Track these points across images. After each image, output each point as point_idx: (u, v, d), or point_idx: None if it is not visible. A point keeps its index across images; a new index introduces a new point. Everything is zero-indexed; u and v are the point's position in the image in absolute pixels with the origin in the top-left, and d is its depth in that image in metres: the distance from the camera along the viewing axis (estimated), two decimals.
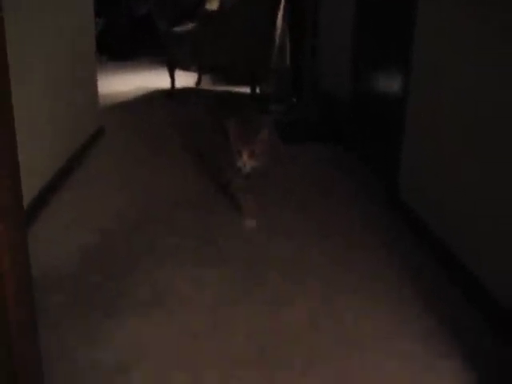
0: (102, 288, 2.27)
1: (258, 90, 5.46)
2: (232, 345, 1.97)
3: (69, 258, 2.46)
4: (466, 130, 2.35)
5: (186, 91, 5.81)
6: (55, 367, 1.44)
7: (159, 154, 3.92)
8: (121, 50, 7.06)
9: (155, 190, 3.30)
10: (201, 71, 6.20)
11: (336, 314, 2.16)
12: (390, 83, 3.46)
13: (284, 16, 5.19)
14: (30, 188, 2.66)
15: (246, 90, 5.60)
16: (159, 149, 4.03)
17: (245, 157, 2.68)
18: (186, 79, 6.14)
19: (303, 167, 3.73)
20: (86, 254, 2.53)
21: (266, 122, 3.49)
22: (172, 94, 5.51)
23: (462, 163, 2.38)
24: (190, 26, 5.44)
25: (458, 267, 2.34)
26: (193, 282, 2.36)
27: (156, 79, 6.11)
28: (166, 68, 5.55)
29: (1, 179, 1.07)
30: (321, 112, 4.52)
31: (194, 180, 3.46)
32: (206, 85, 6.18)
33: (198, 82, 6.18)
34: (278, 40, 5.27)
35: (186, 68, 6.40)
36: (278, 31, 5.24)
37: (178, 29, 5.42)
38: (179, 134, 4.37)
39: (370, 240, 2.74)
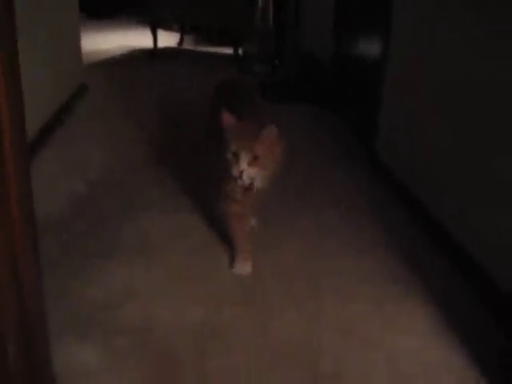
0: (91, 234, 2.36)
1: (240, 52, 5.49)
2: (217, 286, 2.09)
3: (58, 206, 2.53)
4: (439, 93, 2.46)
5: (168, 51, 5.83)
6: (52, 305, 1.54)
7: (142, 110, 3.98)
8: (101, 7, 6.99)
9: (139, 144, 3.37)
10: (183, 31, 6.21)
11: (320, 257, 2.28)
12: (369, 46, 3.55)
13: None
14: None
15: (229, 51, 5.63)
16: (142, 105, 4.08)
17: (243, 162, 1.89)
18: (168, 39, 6.15)
19: (287, 127, 3.81)
20: (74, 203, 2.61)
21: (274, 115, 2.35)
22: (154, 53, 5.52)
23: (435, 126, 2.49)
24: None
25: (429, 219, 2.48)
26: (177, 228, 2.46)
27: (137, 38, 6.10)
28: (147, 27, 5.55)
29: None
30: (303, 73, 4.59)
31: (177, 133, 3.54)
32: (188, 45, 6.20)
33: (180, 43, 6.20)
34: (260, 1, 5.30)
35: (168, 28, 6.42)
36: None
37: None
38: (162, 92, 4.43)
39: (350, 196, 2.86)
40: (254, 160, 1.89)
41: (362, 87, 3.65)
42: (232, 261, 2.21)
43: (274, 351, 1.78)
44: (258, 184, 1.99)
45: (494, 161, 2.04)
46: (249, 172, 1.90)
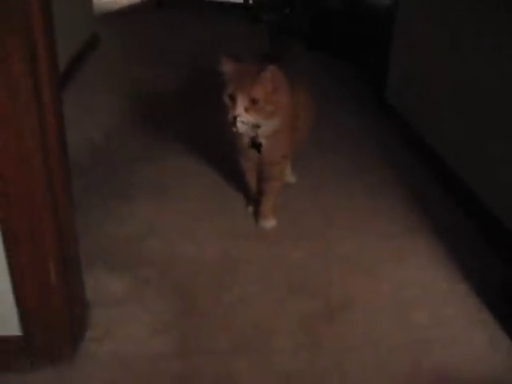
0: (112, 177, 2.47)
1: (250, 1, 5.47)
2: (234, 222, 2.21)
3: (75, 151, 2.61)
4: (451, 38, 2.50)
5: (176, 1, 5.80)
6: (82, 239, 1.65)
7: (153, 61, 4.03)
8: None
9: (152, 91, 3.45)
10: None
11: (332, 195, 2.39)
12: None
13: None
14: None
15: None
16: (153, 56, 4.13)
17: (239, 106, 1.75)
18: None
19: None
20: (90, 147, 2.71)
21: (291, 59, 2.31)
22: (163, 2, 5.50)
23: (444, 70, 2.54)
24: None
25: (438, 162, 2.57)
26: (193, 167, 2.58)
27: None
28: None
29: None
30: (314, 21, 4.60)
31: (191, 82, 3.61)
32: None
33: None
34: None
35: None
36: None
37: None
38: (173, 43, 4.46)
39: (360, 135, 2.96)
40: (252, 104, 1.76)
41: (373, 33, 3.68)
42: (247, 202, 2.30)
43: (288, 283, 1.90)
44: (263, 135, 1.87)
45: (494, 99, 2.11)
46: (245, 118, 1.76)
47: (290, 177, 2.44)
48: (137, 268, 1.93)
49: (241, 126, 1.78)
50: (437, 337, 1.71)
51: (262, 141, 1.90)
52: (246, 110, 1.76)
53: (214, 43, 4.39)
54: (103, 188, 2.39)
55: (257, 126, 1.83)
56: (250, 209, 2.27)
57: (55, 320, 1.48)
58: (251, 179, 2.21)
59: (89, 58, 3.96)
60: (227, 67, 1.82)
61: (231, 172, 2.43)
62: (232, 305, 1.80)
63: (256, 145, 1.92)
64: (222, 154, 2.58)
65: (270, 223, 2.18)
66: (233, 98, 1.76)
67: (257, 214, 2.22)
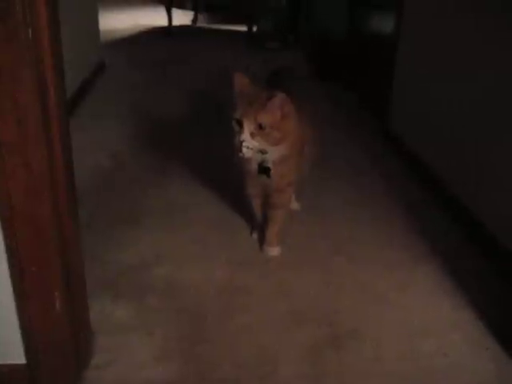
0: (120, 204, 2.49)
1: (254, 29, 5.55)
2: (241, 250, 2.21)
3: (83, 177, 2.63)
4: (450, 68, 2.53)
5: (182, 29, 5.90)
6: (89, 266, 1.66)
7: (160, 88, 4.07)
8: None
9: (158, 118, 3.49)
10: (197, 9, 6.27)
11: (333, 220, 2.39)
12: (383, 22, 3.60)
13: None
14: None
15: (242, 28, 5.69)
16: (160, 83, 4.18)
17: (245, 131, 1.76)
18: (182, 17, 6.21)
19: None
20: (98, 174, 2.74)
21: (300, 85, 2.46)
22: (169, 31, 5.59)
23: (446, 98, 2.57)
24: None
25: (444, 191, 2.57)
26: (201, 196, 2.59)
27: (152, 17, 6.17)
28: (162, 6, 5.62)
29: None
30: (316, 50, 4.66)
31: (194, 110, 3.64)
32: (202, 23, 6.26)
33: (195, 20, 6.25)
34: None
35: (182, 6, 6.47)
36: None
37: None
38: (179, 70, 4.52)
39: (365, 164, 2.97)
40: (259, 130, 1.76)
41: (376, 63, 3.72)
42: (252, 230, 2.31)
43: (293, 310, 1.89)
44: (270, 161, 1.88)
45: (505, 136, 2.12)
46: (251, 144, 1.77)
47: (295, 204, 2.44)
48: (142, 295, 1.92)
49: (246, 151, 1.79)
50: (443, 365, 1.69)
51: (270, 166, 1.91)
52: (252, 135, 1.77)
53: (218, 71, 4.45)
54: (110, 214, 2.40)
55: (264, 152, 1.85)
56: (255, 236, 2.27)
57: (60, 348, 1.47)
58: (257, 206, 2.21)
59: (96, 85, 4.01)
60: (238, 84, 1.81)
61: (237, 199, 2.43)
62: (237, 332, 1.79)
63: (264, 169, 1.92)
64: (229, 181, 2.60)
65: (274, 251, 2.18)
66: (240, 123, 1.77)
67: (262, 242, 2.21)
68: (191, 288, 1.98)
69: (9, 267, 1.34)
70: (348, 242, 2.29)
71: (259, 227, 2.26)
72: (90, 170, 2.75)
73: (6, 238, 1.30)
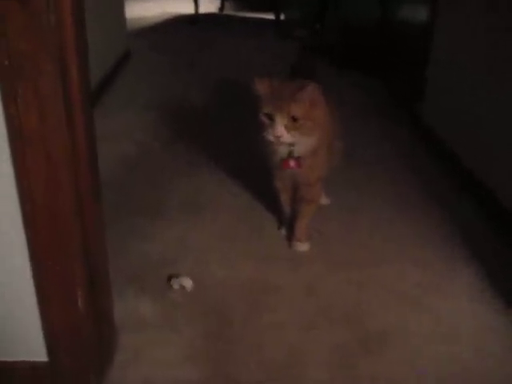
0: (145, 194, 2.44)
1: (282, 17, 5.45)
2: (268, 244, 2.15)
3: (107, 167, 2.59)
4: (488, 57, 2.42)
5: (209, 17, 5.83)
6: (111, 258, 1.61)
7: (186, 76, 4.01)
8: None
9: (185, 105, 3.43)
10: None
11: (367, 220, 2.31)
12: (416, 10, 3.48)
13: None
14: None
15: (269, 16, 5.60)
16: (186, 72, 4.12)
17: (279, 125, 1.70)
18: (208, 5, 6.14)
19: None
20: (123, 163, 2.69)
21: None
22: (196, 19, 5.53)
23: (483, 92, 2.45)
24: None
25: (478, 188, 2.47)
26: (227, 187, 2.52)
27: (179, 5, 6.11)
28: None
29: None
30: (346, 38, 4.54)
31: (221, 99, 3.58)
32: (229, 11, 6.18)
33: (222, 8, 6.17)
34: None
35: None
36: None
37: None
38: (205, 59, 4.46)
39: (394, 156, 2.88)
40: (292, 122, 1.70)
41: (409, 51, 3.60)
42: (279, 224, 2.24)
43: (322, 310, 1.82)
44: (299, 153, 1.82)
45: None
46: (287, 138, 1.72)
47: (324, 198, 2.36)
48: (167, 291, 1.87)
49: (283, 148, 1.78)
50: (478, 369, 1.61)
51: (297, 153, 1.83)
52: (287, 128, 1.71)
53: (245, 59, 4.38)
54: (134, 205, 2.36)
55: (291, 145, 1.80)
56: (283, 231, 2.21)
57: (82, 345, 1.43)
58: (285, 201, 2.15)
59: (121, 73, 3.97)
60: (261, 87, 1.76)
61: (264, 192, 2.36)
62: (264, 331, 1.73)
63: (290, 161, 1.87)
64: (257, 170, 2.52)
65: (303, 247, 2.11)
66: (271, 117, 1.72)
67: (290, 237, 2.15)
68: (217, 283, 1.92)
69: (30, 264, 1.29)
70: (379, 239, 2.21)
71: (287, 222, 2.19)
72: (114, 159, 2.70)
73: (27, 232, 1.25)
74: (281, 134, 1.71)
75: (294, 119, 1.70)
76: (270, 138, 1.73)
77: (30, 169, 1.16)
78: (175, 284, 1.86)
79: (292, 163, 1.86)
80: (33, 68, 1.08)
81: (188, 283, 1.85)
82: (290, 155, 1.84)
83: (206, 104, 3.49)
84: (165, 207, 2.35)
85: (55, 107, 1.11)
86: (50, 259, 1.27)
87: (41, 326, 1.39)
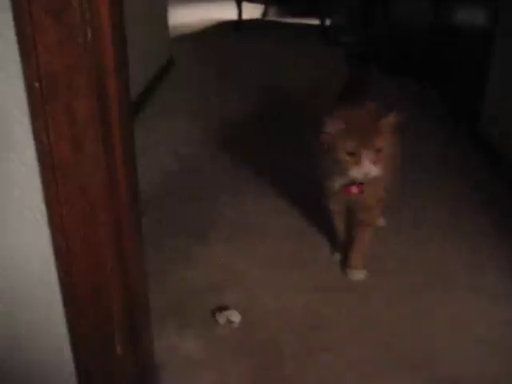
0: (188, 213, 2.29)
1: (327, 23, 5.27)
2: (320, 272, 1.97)
3: (149, 182, 2.46)
4: None
5: (252, 23, 5.69)
6: (151, 285, 1.48)
7: (230, 84, 3.88)
8: None
9: (230, 115, 3.28)
10: (267, 2, 6.03)
11: (422, 238, 2.12)
12: (475, 13, 3.26)
13: None
14: None
15: (313, 21, 5.43)
16: (230, 79, 3.98)
17: (366, 161, 1.58)
18: (252, 11, 6.00)
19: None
20: (165, 178, 2.55)
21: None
22: (239, 25, 5.39)
23: None
24: None
25: None
26: (275, 208, 2.35)
27: (221, 11, 5.99)
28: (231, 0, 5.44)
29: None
30: (395, 44, 4.34)
31: (267, 108, 3.42)
32: (273, 16, 6.04)
33: (265, 14, 6.03)
34: None
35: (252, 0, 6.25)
36: None
37: None
38: (249, 65, 4.31)
39: (449, 171, 2.67)
40: (377, 155, 1.59)
41: (465, 58, 3.38)
42: (333, 249, 2.07)
43: (382, 349, 1.64)
44: (379, 173, 1.65)
45: None
46: (375, 172, 1.60)
47: (380, 220, 2.17)
48: (212, 324, 1.72)
49: (366, 179, 1.65)
50: None
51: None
52: (374, 162, 1.59)
53: (290, 65, 4.22)
54: (175, 225, 2.21)
55: None
56: (337, 256, 2.03)
57: None
58: (340, 224, 1.98)
59: (164, 82, 3.86)
60: (334, 127, 1.61)
61: (315, 211, 2.19)
62: (318, 374, 1.56)
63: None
64: (306, 189, 2.36)
65: (359, 275, 1.93)
66: (355, 155, 1.59)
67: (345, 264, 1.97)
68: (266, 316, 1.76)
69: (63, 304, 1.16)
70: (442, 267, 2.01)
71: (342, 246, 2.02)
72: (155, 175, 2.56)
73: (60, 272, 1.11)
74: (369, 170, 1.59)
75: (378, 151, 1.59)
76: (356, 175, 1.61)
77: (63, 202, 1.03)
78: (221, 318, 1.70)
79: (354, 190, 1.72)
80: (66, 88, 0.95)
81: (236, 317, 1.70)
82: (353, 181, 1.70)
83: (252, 113, 3.33)
84: (208, 229, 2.20)
85: (91, 134, 0.96)
86: (85, 297, 1.13)
87: (75, 369, 1.25)
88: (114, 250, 1.13)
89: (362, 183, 1.70)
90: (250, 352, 1.62)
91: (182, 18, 5.65)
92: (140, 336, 1.32)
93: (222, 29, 5.49)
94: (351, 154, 1.59)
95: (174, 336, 1.66)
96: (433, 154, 2.87)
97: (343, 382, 1.53)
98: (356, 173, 1.61)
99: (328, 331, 1.71)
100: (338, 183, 1.74)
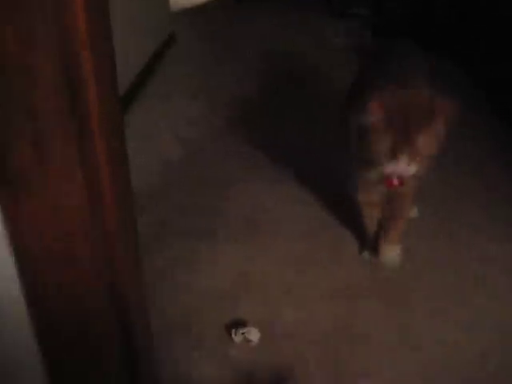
0: (193, 208, 2.03)
1: None
2: (347, 276, 1.72)
3: (150, 172, 2.19)
4: None
5: None
6: (153, 301, 1.24)
7: (232, 58, 3.60)
8: None
9: (234, 95, 3.00)
10: None
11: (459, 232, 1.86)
12: None
13: None
14: None
15: None
16: (233, 56, 3.71)
17: (403, 161, 1.41)
18: None
19: None
20: (168, 168, 2.27)
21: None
22: None
23: None
24: None
25: None
26: (291, 200, 2.08)
27: None
28: None
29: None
30: (413, 15, 4.01)
31: (271, 87, 3.14)
32: None
33: None
34: None
35: None
36: None
37: None
38: (252, 41, 4.04)
39: (483, 162, 2.38)
40: (416, 154, 1.40)
41: (500, 35, 3.06)
42: (361, 247, 1.82)
43: (427, 365, 1.41)
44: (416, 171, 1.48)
45: None
46: (408, 171, 1.43)
47: (413, 210, 1.91)
48: (226, 343, 1.47)
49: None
50: None
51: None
52: (410, 163, 1.40)
53: (295, 42, 3.92)
54: (179, 223, 1.95)
55: None
56: (366, 255, 1.78)
57: None
58: (371, 217, 1.73)
59: (165, 59, 3.59)
60: (377, 114, 1.38)
61: (338, 202, 1.94)
62: None
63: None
64: (326, 177, 2.09)
65: (393, 251, 1.74)
66: (393, 151, 1.39)
67: (374, 259, 1.76)
68: (289, 332, 1.52)
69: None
70: (482, 265, 1.76)
71: (371, 244, 1.77)
72: (156, 163, 2.29)
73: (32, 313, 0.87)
74: (404, 170, 1.42)
75: (417, 152, 1.39)
76: (390, 172, 1.45)
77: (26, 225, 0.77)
78: (238, 336, 1.46)
79: (396, 182, 1.50)
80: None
81: (254, 336, 1.45)
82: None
83: (258, 94, 3.04)
84: (214, 225, 1.94)
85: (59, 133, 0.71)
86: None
87: None
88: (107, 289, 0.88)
89: None
90: (270, 377, 1.38)
91: None
92: (141, 365, 1.09)
93: (225, 1, 5.21)
94: (391, 150, 1.39)
95: (182, 360, 1.42)
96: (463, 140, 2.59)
97: None
98: (390, 169, 1.43)
99: (360, 345, 1.47)
100: (375, 174, 1.50)
